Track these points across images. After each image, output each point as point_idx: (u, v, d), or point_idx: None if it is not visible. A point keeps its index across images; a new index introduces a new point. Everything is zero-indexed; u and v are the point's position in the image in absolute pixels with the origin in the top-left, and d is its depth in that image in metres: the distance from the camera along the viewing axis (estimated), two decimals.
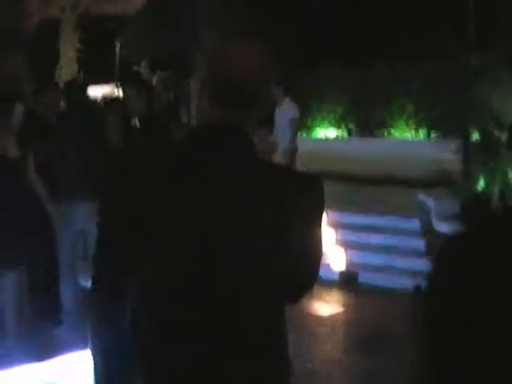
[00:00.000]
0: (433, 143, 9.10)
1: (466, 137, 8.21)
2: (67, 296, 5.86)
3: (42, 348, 4.67)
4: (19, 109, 5.06)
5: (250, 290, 1.80)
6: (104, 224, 1.91)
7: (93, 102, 6.59)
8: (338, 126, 15.47)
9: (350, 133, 15.37)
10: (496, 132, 7.54)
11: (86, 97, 6.82)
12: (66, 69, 21.02)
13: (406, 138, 13.81)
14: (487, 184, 7.34)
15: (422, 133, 13.62)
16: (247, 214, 1.79)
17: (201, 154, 1.82)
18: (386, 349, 5.80)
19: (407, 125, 14.08)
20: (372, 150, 12.59)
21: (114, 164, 2.05)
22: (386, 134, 14.45)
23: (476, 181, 7.54)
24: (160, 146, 2.09)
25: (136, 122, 6.57)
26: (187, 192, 1.80)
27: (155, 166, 1.86)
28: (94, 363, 1.92)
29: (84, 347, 4.36)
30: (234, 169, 1.82)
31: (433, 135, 12.97)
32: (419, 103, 13.52)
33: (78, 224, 5.93)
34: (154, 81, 15.40)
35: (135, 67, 17.96)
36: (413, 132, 13.90)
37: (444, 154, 8.29)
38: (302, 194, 1.86)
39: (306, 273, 1.90)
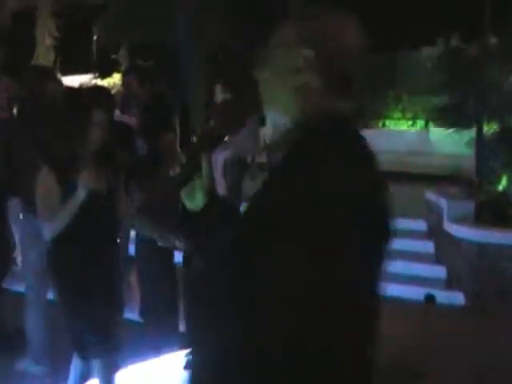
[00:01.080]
0: (440, 136, 8.30)
1: (479, 129, 7.39)
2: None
3: None
4: (99, 117, 3.82)
5: None
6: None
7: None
8: None
9: None
10: None
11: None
12: (43, 57, 20.25)
13: (406, 130, 13.12)
14: (509, 183, 6.55)
15: (419, 124, 12.97)
16: None
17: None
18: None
19: (403, 116, 13.41)
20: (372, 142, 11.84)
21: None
22: (380, 125, 13.76)
23: (494, 179, 6.76)
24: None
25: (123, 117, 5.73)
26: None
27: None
28: None
29: None
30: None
31: (432, 127, 12.21)
32: (416, 92, 12.83)
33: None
34: None
35: (114, 56, 17.28)
36: (409, 123, 13.25)
37: (454, 148, 7.52)
38: None
39: None
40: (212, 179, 1.93)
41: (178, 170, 1.88)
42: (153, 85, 5.98)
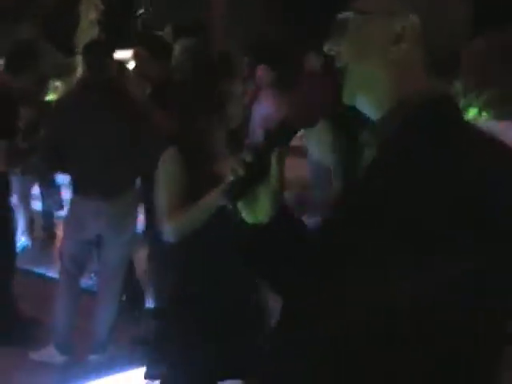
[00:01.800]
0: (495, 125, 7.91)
1: None
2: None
3: None
4: (238, 88, 3.19)
5: None
6: None
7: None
8: None
9: None
10: None
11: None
12: (86, 32, 20.09)
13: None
14: None
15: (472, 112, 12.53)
16: None
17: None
18: None
19: None
20: None
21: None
22: None
23: None
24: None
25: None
26: None
27: None
28: None
29: None
30: None
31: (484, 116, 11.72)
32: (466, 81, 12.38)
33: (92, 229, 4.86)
34: (176, 50, 14.40)
35: (159, 33, 17.05)
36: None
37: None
38: None
39: None
40: (282, 185, 1.54)
41: (233, 172, 1.46)
42: (166, 63, 5.59)
